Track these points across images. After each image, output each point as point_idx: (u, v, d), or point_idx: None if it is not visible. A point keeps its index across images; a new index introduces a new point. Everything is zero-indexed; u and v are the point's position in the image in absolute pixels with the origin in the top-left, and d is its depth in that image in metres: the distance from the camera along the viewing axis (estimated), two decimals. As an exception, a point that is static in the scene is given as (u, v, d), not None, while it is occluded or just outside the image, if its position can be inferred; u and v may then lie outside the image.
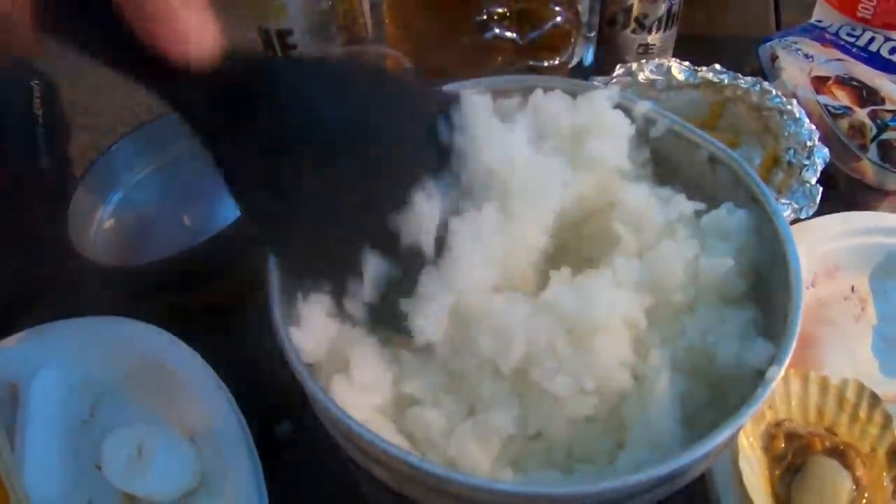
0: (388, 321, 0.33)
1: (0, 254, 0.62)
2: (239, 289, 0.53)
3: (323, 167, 0.31)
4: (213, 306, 0.55)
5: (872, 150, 0.65)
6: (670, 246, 0.35)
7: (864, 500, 0.43)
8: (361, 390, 0.31)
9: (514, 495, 0.28)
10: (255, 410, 0.48)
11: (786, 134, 0.62)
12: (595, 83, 0.61)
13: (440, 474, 0.27)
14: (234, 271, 0.54)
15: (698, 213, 0.37)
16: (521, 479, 0.30)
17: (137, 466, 0.45)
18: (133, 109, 0.78)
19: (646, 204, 0.37)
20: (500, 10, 0.55)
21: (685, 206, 0.37)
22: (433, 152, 0.33)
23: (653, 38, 0.73)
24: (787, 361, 0.30)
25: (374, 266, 0.32)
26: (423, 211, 0.32)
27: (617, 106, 0.40)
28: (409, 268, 0.33)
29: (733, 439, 0.31)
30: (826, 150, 0.60)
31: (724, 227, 0.36)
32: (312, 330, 0.32)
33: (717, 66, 0.67)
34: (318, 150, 0.31)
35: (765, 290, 0.35)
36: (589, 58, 0.76)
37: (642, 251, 0.36)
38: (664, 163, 0.41)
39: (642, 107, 0.40)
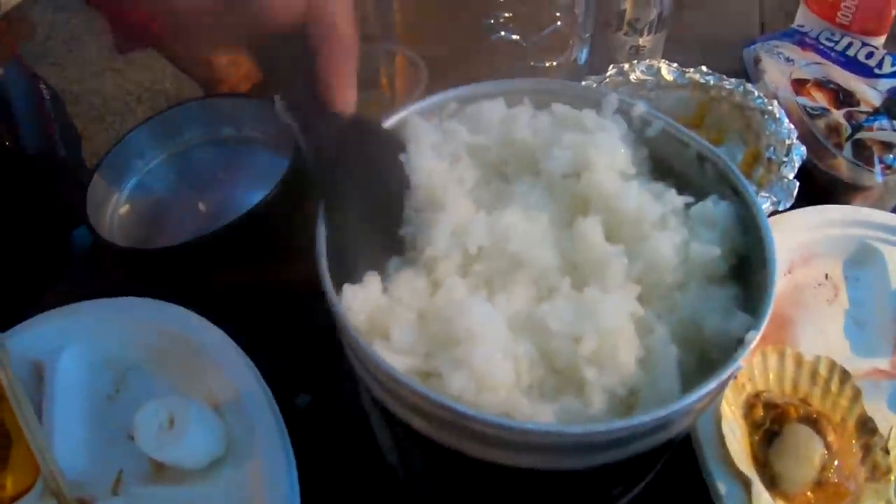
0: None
1: (22, 238, 0.64)
2: (258, 270, 0.56)
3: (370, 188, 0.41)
4: (233, 286, 0.56)
5: (847, 149, 0.67)
6: (664, 234, 0.39)
7: (835, 464, 0.46)
8: (398, 353, 0.34)
9: (520, 431, 0.31)
10: (273, 384, 0.49)
11: (766, 132, 0.64)
12: (591, 83, 0.66)
13: (469, 413, 0.31)
14: (253, 254, 0.56)
15: (688, 205, 0.41)
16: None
17: (169, 436, 0.46)
18: (122, 98, 0.78)
19: (642, 199, 0.40)
20: (506, 15, 0.58)
21: (676, 199, 0.41)
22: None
23: (644, 41, 0.75)
24: (763, 328, 0.33)
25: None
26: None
27: (617, 110, 0.44)
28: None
29: (717, 393, 0.34)
30: (803, 148, 0.63)
31: (711, 217, 0.40)
32: (357, 298, 0.36)
33: (704, 68, 0.69)
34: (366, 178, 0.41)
35: (745, 270, 0.39)
36: (583, 58, 0.80)
37: (641, 239, 0.39)
38: (658, 159, 0.44)
39: (639, 109, 0.44)
